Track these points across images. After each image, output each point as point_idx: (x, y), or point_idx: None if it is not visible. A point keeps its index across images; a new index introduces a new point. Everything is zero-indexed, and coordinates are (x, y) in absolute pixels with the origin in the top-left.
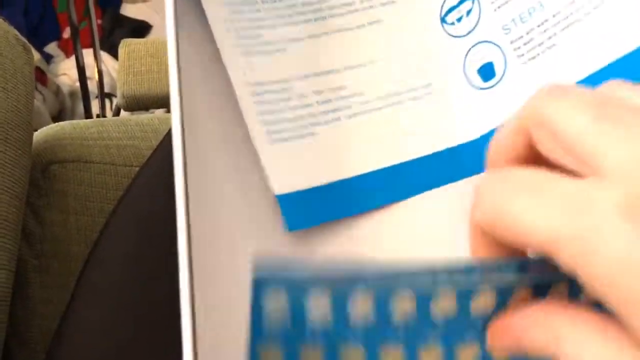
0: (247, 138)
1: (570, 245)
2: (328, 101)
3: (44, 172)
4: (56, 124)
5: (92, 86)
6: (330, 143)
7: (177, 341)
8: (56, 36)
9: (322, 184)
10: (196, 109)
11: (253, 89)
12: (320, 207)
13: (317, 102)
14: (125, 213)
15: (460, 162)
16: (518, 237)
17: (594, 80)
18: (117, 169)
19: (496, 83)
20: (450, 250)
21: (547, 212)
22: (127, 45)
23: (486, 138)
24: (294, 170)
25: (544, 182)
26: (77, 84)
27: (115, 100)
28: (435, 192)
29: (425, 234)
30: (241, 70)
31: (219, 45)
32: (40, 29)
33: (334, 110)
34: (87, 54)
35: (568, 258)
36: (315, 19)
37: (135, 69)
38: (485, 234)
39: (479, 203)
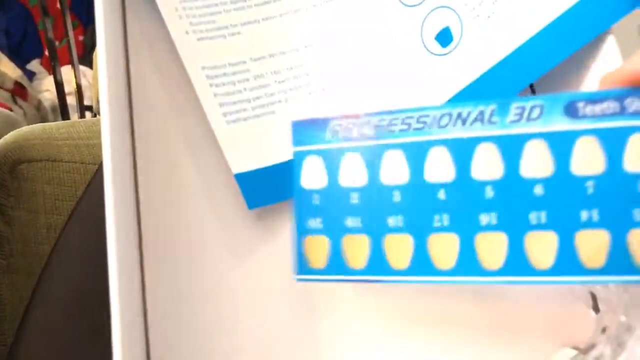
0: (203, 120)
1: None
2: (286, 80)
3: (11, 172)
4: (27, 126)
5: (72, 100)
6: (290, 121)
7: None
8: (38, 54)
9: (282, 161)
10: (148, 96)
11: (208, 73)
12: (280, 184)
13: (275, 81)
14: (91, 201)
15: None
16: None
17: (552, 30)
18: (86, 167)
19: (454, 47)
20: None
21: None
22: None
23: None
24: (252, 149)
25: None
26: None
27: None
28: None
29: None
30: (196, 55)
31: (172, 32)
32: (22, 47)
33: (292, 89)
34: (67, 71)
35: None
36: (269, 1)
37: None
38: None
39: None
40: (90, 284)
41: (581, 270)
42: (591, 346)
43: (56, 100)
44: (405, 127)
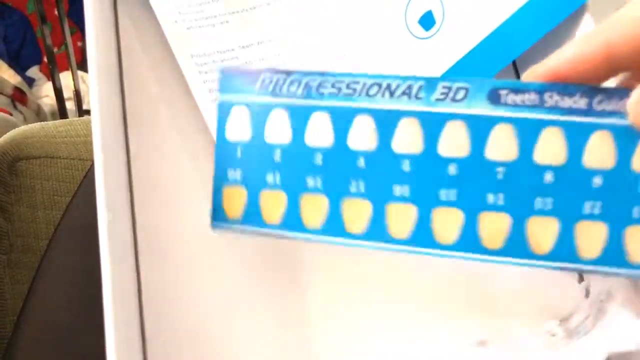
0: (193, 107)
1: None
2: (274, 67)
3: (10, 169)
4: (25, 125)
5: (71, 106)
6: None
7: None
8: (38, 60)
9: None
10: (139, 85)
11: (198, 60)
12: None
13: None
14: (85, 194)
15: None
16: None
17: (530, 7)
18: (84, 163)
19: (437, 31)
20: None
21: None
22: None
23: None
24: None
25: None
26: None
27: None
28: None
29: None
30: (185, 43)
31: (161, 21)
32: (21, 54)
33: None
34: (66, 77)
35: None
36: None
37: None
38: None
39: None
40: (86, 274)
41: (481, 249)
42: (568, 318)
43: (55, 105)
44: (335, 90)
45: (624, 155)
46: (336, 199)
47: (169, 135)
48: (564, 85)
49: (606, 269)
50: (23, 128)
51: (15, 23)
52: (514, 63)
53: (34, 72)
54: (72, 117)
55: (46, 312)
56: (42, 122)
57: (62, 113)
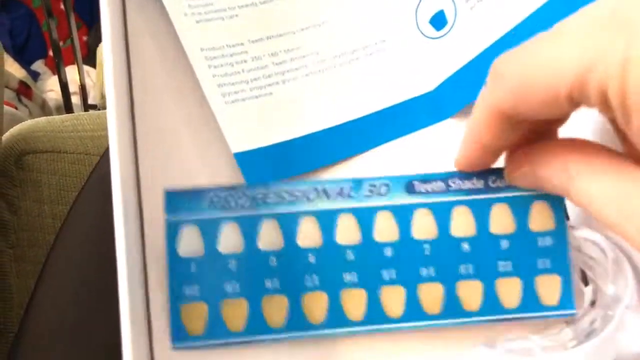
0: (202, 101)
1: (605, 63)
2: (283, 62)
3: (17, 163)
4: (32, 119)
5: (77, 100)
6: (287, 101)
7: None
8: (43, 54)
9: (280, 141)
10: (147, 78)
11: (207, 54)
12: (278, 163)
13: (273, 63)
14: (93, 187)
15: (417, 113)
16: (550, 78)
17: (544, 12)
18: (91, 158)
19: (448, 31)
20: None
21: (578, 39)
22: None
23: (441, 88)
24: (250, 128)
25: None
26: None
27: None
28: (392, 144)
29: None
30: (194, 37)
31: (171, 15)
32: (26, 48)
33: (290, 71)
34: (71, 71)
35: (601, 80)
36: None
37: None
38: (500, 117)
39: (498, 77)
40: (94, 268)
41: (424, 316)
42: (577, 319)
43: (60, 100)
44: (279, 199)
45: (521, 220)
46: (295, 295)
47: (177, 130)
48: (462, 172)
49: (525, 314)
50: (29, 122)
51: (21, 17)
52: None
53: (39, 66)
54: (78, 112)
55: (53, 306)
56: (49, 117)
57: (68, 107)
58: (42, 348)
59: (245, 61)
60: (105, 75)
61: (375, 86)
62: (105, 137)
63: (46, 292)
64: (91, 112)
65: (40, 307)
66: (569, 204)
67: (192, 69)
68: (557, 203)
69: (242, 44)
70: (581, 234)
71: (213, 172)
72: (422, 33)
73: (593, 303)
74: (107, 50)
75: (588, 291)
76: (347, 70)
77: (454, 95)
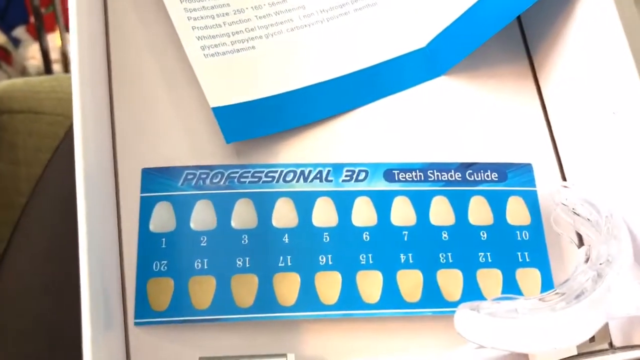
0: (181, 55)
1: None
2: (267, 15)
3: None
4: (9, 80)
5: (59, 68)
6: (270, 56)
7: None
8: (24, 20)
9: (262, 96)
10: (125, 30)
11: (187, 6)
12: (259, 120)
13: (256, 16)
14: (67, 149)
15: (409, 70)
16: None
17: None
18: (68, 120)
19: None
20: (392, 151)
21: None
22: None
23: (434, 44)
24: (231, 83)
25: None
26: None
27: None
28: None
29: (370, 143)
30: None
31: None
32: (7, 13)
33: (274, 25)
34: (53, 38)
35: None
36: None
37: None
38: None
39: None
40: (66, 229)
41: (403, 304)
42: (567, 281)
43: (41, 67)
44: (255, 179)
45: (499, 213)
46: (266, 275)
47: (154, 85)
48: (440, 163)
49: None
50: (6, 82)
51: None
52: (519, 18)
53: (20, 32)
54: None
55: (25, 264)
56: (27, 78)
57: (49, 74)
58: (15, 306)
59: (227, 14)
60: (71, 31)
61: (364, 42)
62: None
63: (19, 250)
64: (69, 74)
65: (12, 266)
66: (564, 164)
67: (170, 21)
68: (531, 199)
69: None
70: (577, 194)
71: (191, 127)
72: None
73: (587, 260)
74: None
75: (581, 252)
76: (335, 25)
77: (448, 50)
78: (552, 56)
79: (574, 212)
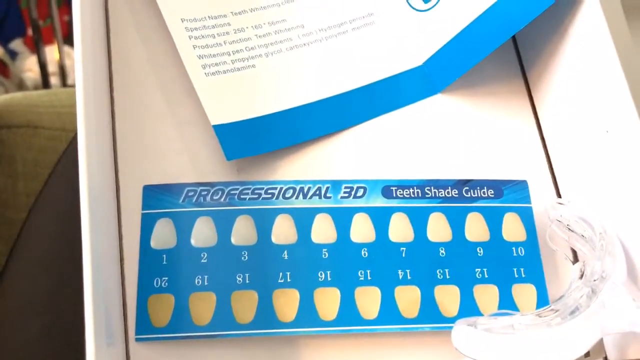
0: (182, 73)
1: None
2: (267, 34)
3: None
4: (8, 94)
5: (56, 81)
6: (270, 75)
7: None
8: (21, 33)
9: (262, 114)
10: (126, 48)
11: (188, 25)
12: (259, 137)
13: (256, 35)
14: (68, 162)
15: (406, 88)
16: None
17: None
18: (68, 134)
19: (436, 3)
20: (390, 168)
21: None
22: None
23: (431, 62)
24: (231, 101)
25: None
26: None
27: None
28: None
29: (367, 160)
30: (175, 7)
31: None
32: (4, 26)
33: (273, 43)
34: (50, 51)
35: None
36: None
37: None
38: None
39: None
40: (67, 242)
41: (401, 319)
42: (562, 297)
43: (38, 80)
44: (255, 196)
45: (495, 229)
46: (266, 292)
47: (156, 102)
48: (437, 180)
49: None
50: (4, 96)
51: None
52: (514, 38)
53: (17, 45)
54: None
55: (26, 280)
56: (25, 92)
57: (46, 87)
58: (14, 322)
59: (228, 33)
60: (76, 47)
61: (362, 60)
62: None
63: (18, 265)
64: (69, 88)
65: (12, 282)
66: (559, 180)
67: (171, 39)
68: (527, 215)
69: (224, 15)
70: (571, 211)
71: (191, 145)
72: (411, 5)
73: (581, 277)
74: (83, 20)
75: (576, 268)
76: (333, 43)
77: (444, 68)
78: (547, 75)
79: (569, 229)
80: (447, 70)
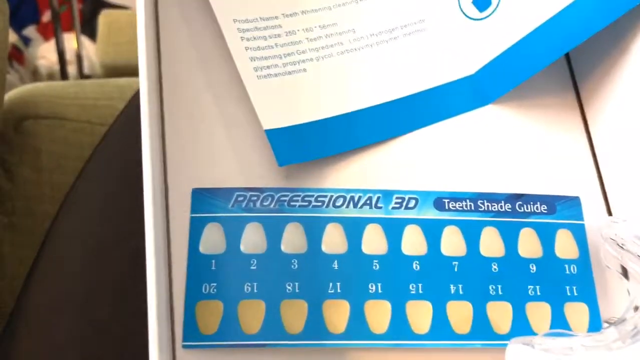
0: (234, 75)
1: None
2: (318, 38)
3: (16, 128)
4: (32, 84)
5: (73, 70)
6: (321, 79)
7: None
8: (35, 19)
9: (313, 120)
10: (176, 49)
11: (240, 26)
12: (311, 143)
13: (307, 39)
14: (101, 159)
15: (457, 97)
16: None
17: None
18: (93, 127)
19: (492, 12)
20: (442, 179)
21: None
22: (107, 16)
23: (483, 72)
24: (283, 105)
25: None
26: (56, 66)
27: None
28: (430, 128)
29: (418, 170)
30: (228, 8)
31: None
32: (18, 12)
33: (324, 47)
34: (67, 38)
35: None
36: None
37: (115, 40)
38: None
39: None
40: (100, 241)
41: (453, 335)
42: (622, 320)
43: (52, 67)
44: (305, 204)
45: (548, 245)
46: (316, 302)
47: (207, 104)
48: (490, 193)
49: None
50: (30, 86)
51: None
52: (567, 56)
53: (30, 31)
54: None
55: (57, 278)
56: (50, 82)
57: (63, 75)
58: (44, 321)
59: (279, 35)
60: (139, 48)
61: (413, 67)
62: (108, 106)
63: (49, 265)
64: (95, 80)
65: (42, 281)
66: (610, 198)
67: (222, 40)
68: (579, 232)
69: (276, 17)
70: (629, 230)
71: (242, 148)
72: (465, 14)
73: (636, 309)
74: (140, 25)
75: (636, 291)
76: (384, 49)
77: (496, 79)
78: (601, 90)
79: (622, 248)
80: (499, 81)
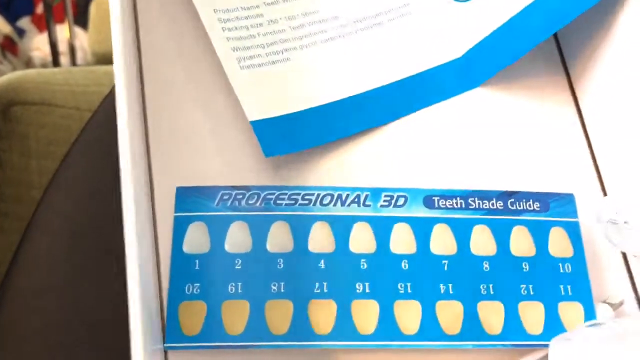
0: (216, 67)
1: None
2: (301, 26)
3: (4, 114)
4: (22, 70)
5: (66, 61)
6: (306, 68)
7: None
8: (29, 11)
9: (299, 110)
10: (157, 41)
11: (221, 16)
12: (297, 134)
13: (290, 27)
14: (84, 145)
15: (445, 81)
16: None
17: None
18: (82, 113)
19: None
20: (432, 176)
21: None
22: (98, 5)
23: (470, 55)
24: (267, 96)
25: None
26: (49, 58)
27: None
28: (419, 123)
29: (408, 167)
30: None
31: None
32: (13, 4)
33: (308, 35)
34: (61, 30)
35: None
36: None
37: (106, 28)
38: None
39: None
40: (84, 224)
41: (442, 336)
42: (621, 303)
43: (46, 59)
44: (292, 202)
45: (541, 244)
46: (301, 302)
47: (190, 98)
48: (481, 191)
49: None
50: (19, 73)
51: None
52: (555, 36)
53: (24, 23)
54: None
55: (41, 261)
56: (39, 69)
57: (56, 66)
58: (28, 304)
59: (261, 24)
60: (113, 38)
61: (399, 52)
62: (98, 93)
63: (32, 249)
64: (83, 67)
65: (25, 265)
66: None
67: (203, 33)
68: (574, 230)
69: (257, 6)
70: (625, 202)
71: (227, 144)
72: None
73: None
74: (115, 14)
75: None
76: (369, 35)
77: (484, 61)
78: (590, 70)
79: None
80: (487, 63)
